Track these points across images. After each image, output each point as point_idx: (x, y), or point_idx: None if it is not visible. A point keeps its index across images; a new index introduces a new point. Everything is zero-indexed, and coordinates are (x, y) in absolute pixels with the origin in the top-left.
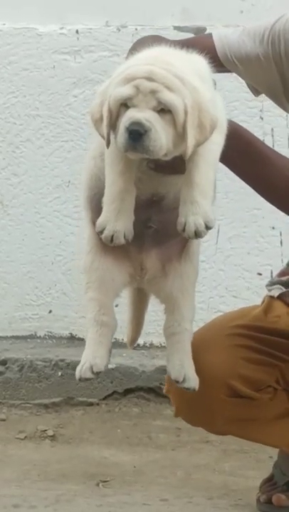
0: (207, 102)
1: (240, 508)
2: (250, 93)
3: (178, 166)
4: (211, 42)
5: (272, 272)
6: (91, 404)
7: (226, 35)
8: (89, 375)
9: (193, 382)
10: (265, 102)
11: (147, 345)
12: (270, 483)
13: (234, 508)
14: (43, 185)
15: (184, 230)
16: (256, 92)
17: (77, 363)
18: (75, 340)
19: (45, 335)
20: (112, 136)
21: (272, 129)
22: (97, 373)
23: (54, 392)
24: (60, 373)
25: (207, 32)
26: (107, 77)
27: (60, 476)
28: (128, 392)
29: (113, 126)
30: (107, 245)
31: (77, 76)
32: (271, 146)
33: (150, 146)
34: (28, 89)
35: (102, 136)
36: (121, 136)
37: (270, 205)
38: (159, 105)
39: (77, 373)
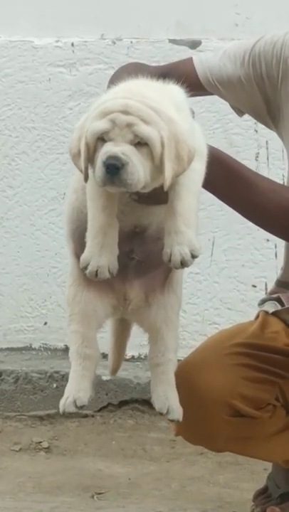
0: (184, 132)
1: None
2: None
3: (161, 196)
4: (192, 66)
5: (266, 285)
6: (86, 416)
7: (206, 58)
8: (72, 409)
9: (177, 413)
10: None
11: (142, 357)
12: (264, 496)
13: None
14: (39, 197)
15: (170, 260)
16: (240, 113)
17: None
18: None
19: (41, 347)
20: (90, 171)
21: (266, 142)
22: (81, 407)
23: (49, 404)
24: (55, 385)
25: (202, 45)
26: (102, 89)
27: (55, 488)
28: (123, 404)
29: (91, 160)
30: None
31: (72, 89)
32: (266, 159)
33: (128, 179)
34: (23, 101)
35: (81, 171)
36: (98, 170)
37: None
38: (135, 138)
39: (61, 407)
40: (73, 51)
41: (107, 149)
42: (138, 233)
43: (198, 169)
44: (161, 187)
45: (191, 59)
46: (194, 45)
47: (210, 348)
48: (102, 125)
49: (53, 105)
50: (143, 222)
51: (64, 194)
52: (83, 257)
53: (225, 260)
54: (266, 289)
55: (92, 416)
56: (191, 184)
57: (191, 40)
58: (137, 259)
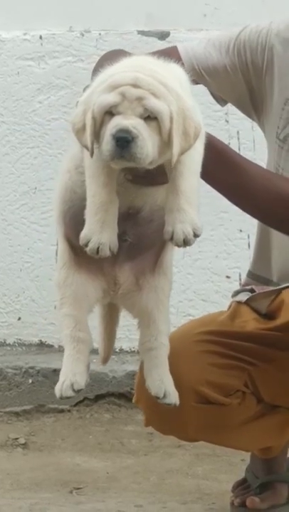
0: (190, 109)
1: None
2: None
3: (156, 176)
4: (178, 55)
5: (240, 275)
6: (62, 411)
7: (191, 47)
8: (70, 393)
9: (173, 397)
10: (230, 105)
11: (117, 350)
12: (243, 487)
13: None
14: (10, 192)
15: (171, 238)
16: (223, 102)
17: (48, 369)
18: (45, 347)
19: (15, 342)
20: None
21: (237, 132)
22: (78, 391)
23: (25, 400)
24: (30, 380)
25: (171, 36)
26: (71, 82)
27: (33, 484)
28: (99, 398)
29: (96, 135)
30: (80, 260)
31: (41, 82)
32: (237, 150)
33: (137, 153)
34: None
35: (86, 146)
36: (107, 143)
37: (238, 208)
38: (145, 112)
39: (58, 392)
40: (42, 44)
41: (117, 122)
42: (131, 215)
43: (199, 149)
44: (158, 167)
45: (175, 47)
46: (163, 36)
47: (178, 337)
48: (112, 98)
49: (23, 99)
50: (137, 203)
51: (35, 188)
52: (84, 233)
53: (198, 252)
54: (240, 279)
55: (69, 411)
56: (193, 163)
57: (159, 31)
58: (130, 241)
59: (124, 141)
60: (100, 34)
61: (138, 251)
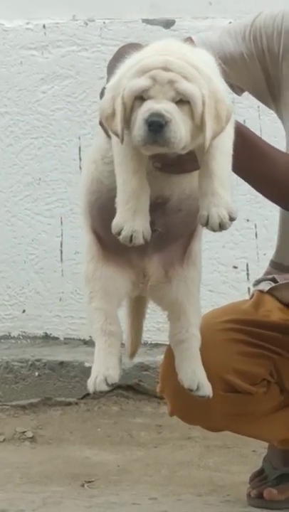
0: (222, 91)
1: (231, 504)
2: None
3: (186, 163)
4: (193, 45)
5: (247, 265)
6: (69, 403)
7: (206, 37)
8: (104, 387)
9: (207, 389)
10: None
11: (124, 342)
12: (260, 478)
13: (225, 505)
14: (14, 183)
15: (207, 223)
16: (239, 91)
17: (54, 362)
18: (50, 340)
19: (19, 335)
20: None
21: (244, 121)
22: (112, 384)
23: (31, 393)
24: (37, 373)
25: (176, 24)
26: (75, 72)
27: (44, 477)
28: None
29: (127, 121)
30: (108, 253)
31: (45, 72)
32: None
33: (171, 137)
34: None
35: (115, 133)
36: (139, 129)
37: (244, 197)
38: (176, 96)
39: (91, 386)
40: (45, 33)
41: (149, 106)
42: (159, 204)
43: (230, 132)
44: (186, 154)
45: (190, 39)
46: (168, 24)
47: (202, 325)
48: (143, 82)
49: (26, 89)
50: (165, 192)
51: (40, 179)
52: (116, 222)
53: (205, 242)
54: (247, 269)
55: (76, 404)
56: (225, 146)
57: (164, 19)
58: (159, 231)
59: (157, 126)
60: (104, 23)
61: (166, 241)
